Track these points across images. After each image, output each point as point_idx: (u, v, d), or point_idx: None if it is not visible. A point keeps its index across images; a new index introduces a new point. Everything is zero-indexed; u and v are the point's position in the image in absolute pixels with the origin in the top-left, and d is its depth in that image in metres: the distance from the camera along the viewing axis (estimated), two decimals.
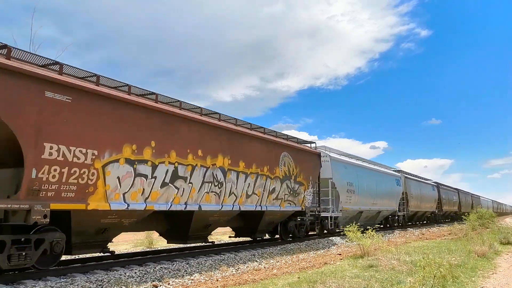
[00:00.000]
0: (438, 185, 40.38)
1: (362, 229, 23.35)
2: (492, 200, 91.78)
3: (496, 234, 18.24)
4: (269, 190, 12.93)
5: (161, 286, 7.83)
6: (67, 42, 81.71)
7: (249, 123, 12.54)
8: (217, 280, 8.51)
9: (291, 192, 14.26)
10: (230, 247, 13.21)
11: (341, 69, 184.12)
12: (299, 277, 8.35)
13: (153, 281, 8.12)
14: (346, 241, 15.95)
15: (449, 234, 22.16)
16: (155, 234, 19.06)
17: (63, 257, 10.01)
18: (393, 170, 29.84)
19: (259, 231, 13.80)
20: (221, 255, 11.19)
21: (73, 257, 10.02)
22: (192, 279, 8.55)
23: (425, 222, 37.68)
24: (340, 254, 13.18)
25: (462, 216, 26.54)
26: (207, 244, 13.09)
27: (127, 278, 7.90)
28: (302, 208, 15.18)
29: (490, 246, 13.07)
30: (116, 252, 11.47)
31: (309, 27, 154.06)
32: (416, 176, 35.90)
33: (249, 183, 11.93)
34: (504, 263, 11.07)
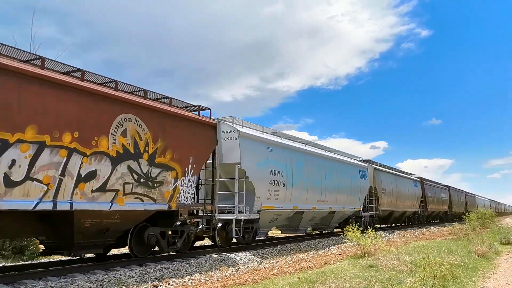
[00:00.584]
0: (422, 181, 34.56)
1: (313, 231, 21.08)
2: (490, 200, 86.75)
3: (496, 234, 18.24)
4: (78, 174, 7.54)
5: (161, 286, 7.84)
6: (67, 42, 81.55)
7: (40, 57, 7.64)
8: (217, 280, 8.52)
9: (144, 180, 8.87)
10: (231, 247, 13.20)
11: (341, 69, 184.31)
12: (299, 277, 8.36)
13: (153, 281, 8.12)
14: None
15: (449, 234, 22.16)
16: None
17: (63, 257, 10.02)
18: (359, 160, 23.41)
19: (80, 244, 8.23)
20: (221, 255, 11.18)
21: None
22: (192, 279, 8.56)
23: (404, 224, 31.73)
24: (341, 254, 13.19)
25: (463, 216, 25.83)
26: (207, 244, 13.08)
27: (127, 278, 7.90)
28: (170, 207, 9.73)
29: (490, 246, 13.08)
30: (117, 252, 11.47)
31: (309, 27, 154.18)
32: (391, 168, 29.43)
33: (12, 161, 6.52)
34: (504, 263, 11.07)
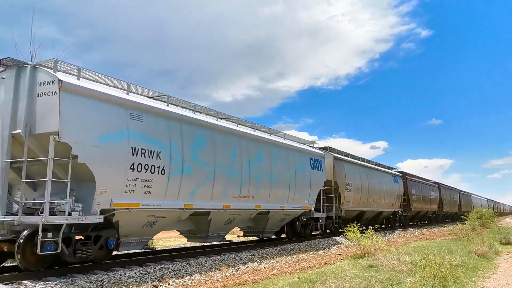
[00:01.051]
0: (404, 176, 29.54)
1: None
2: (488, 199, 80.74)
3: (496, 234, 18.26)
4: None
5: (161, 286, 7.84)
6: (67, 42, 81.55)
7: None
8: (217, 280, 8.52)
9: None
10: (231, 247, 13.21)
11: (341, 69, 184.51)
12: (299, 277, 8.36)
13: (153, 281, 8.12)
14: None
15: (449, 234, 22.17)
16: (157, 235, 19.05)
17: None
18: (316, 147, 18.14)
19: None
20: (221, 255, 11.19)
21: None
22: (192, 279, 8.56)
23: (383, 226, 26.77)
24: (340, 254, 13.19)
25: (462, 217, 25.29)
26: (208, 244, 13.09)
27: (127, 278, 7.90)
28: None
29: (490, 246, 13.09)
30: (116, 252, 11.48)
31: (309, 27, 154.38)
32: (361, 159, 23.88)
33: None
34: (504, 263, 11.08)
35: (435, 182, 39.36)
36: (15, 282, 7.03)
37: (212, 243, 13.63)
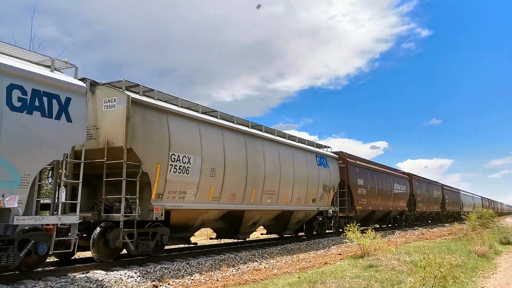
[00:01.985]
0: (343, 158, 19.99)
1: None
2: (482, 197, 71.45)
3: (496, 234, 18.27)
4: None
5: (161, 286, 7.84)
6: (67, 42, 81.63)
7: None
8: (218, 280, 8.52)
9: None
10: (231, 247, 13.22)
11: (342, 69, 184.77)
12: (299, 277, 8.36)
13: (153, 281, 8.12)
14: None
15: (449, 234, 22.18)
16: None
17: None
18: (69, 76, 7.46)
19: None
20: (222, 255, 11.19)
21: (73, 257, 10.02)
22: (193, 279, 8.56)
23: (302, 234, 17.74)
24: (340, 254, 13.19)
25: (465, 215, 25.24)
26: (208, 244, 13.11)
27: (127, 278, 7.90)
28: None
29: (490, 246, 13.10)
30: None
31: (309, 27, 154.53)
32: (236, 119, 12.43)
33: None
34: (504, 263, 11.09)
35: (405, 173, 30.85)
36: (15, 282, 7.03)
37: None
